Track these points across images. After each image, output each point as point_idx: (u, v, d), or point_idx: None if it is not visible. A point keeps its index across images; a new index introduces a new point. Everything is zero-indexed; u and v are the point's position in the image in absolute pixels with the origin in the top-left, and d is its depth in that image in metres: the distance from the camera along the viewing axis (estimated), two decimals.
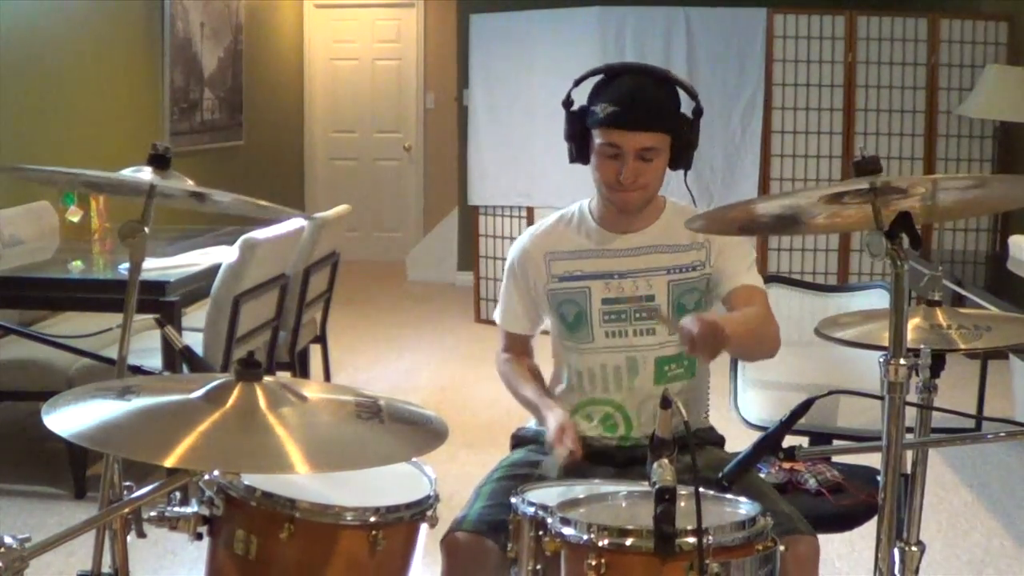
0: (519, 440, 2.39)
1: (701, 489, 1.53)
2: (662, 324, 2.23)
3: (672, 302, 2.28)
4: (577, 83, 2.28)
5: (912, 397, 1.86)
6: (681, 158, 2.25)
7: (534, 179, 6.59)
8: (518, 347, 2.47)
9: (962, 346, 2.12)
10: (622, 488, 1.87)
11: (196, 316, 4.07)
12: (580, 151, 2.27)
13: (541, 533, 1.71)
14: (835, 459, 2.72)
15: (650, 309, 2.23)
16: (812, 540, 2.05)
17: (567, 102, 2.28)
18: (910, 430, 1.92)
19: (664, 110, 2.21)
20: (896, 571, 1.99)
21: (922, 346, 2.00)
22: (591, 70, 2.28)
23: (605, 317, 2.28)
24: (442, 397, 5.42)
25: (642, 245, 2.31)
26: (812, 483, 2.57)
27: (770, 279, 3.23)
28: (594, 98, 2.24)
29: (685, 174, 2.31)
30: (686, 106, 2.26)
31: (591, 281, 2.29)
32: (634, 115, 2.17)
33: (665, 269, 2.29)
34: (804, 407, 1.81)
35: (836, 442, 2.84)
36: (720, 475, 1.85)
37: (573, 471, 2.13)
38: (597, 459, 2.24)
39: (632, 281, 2.28)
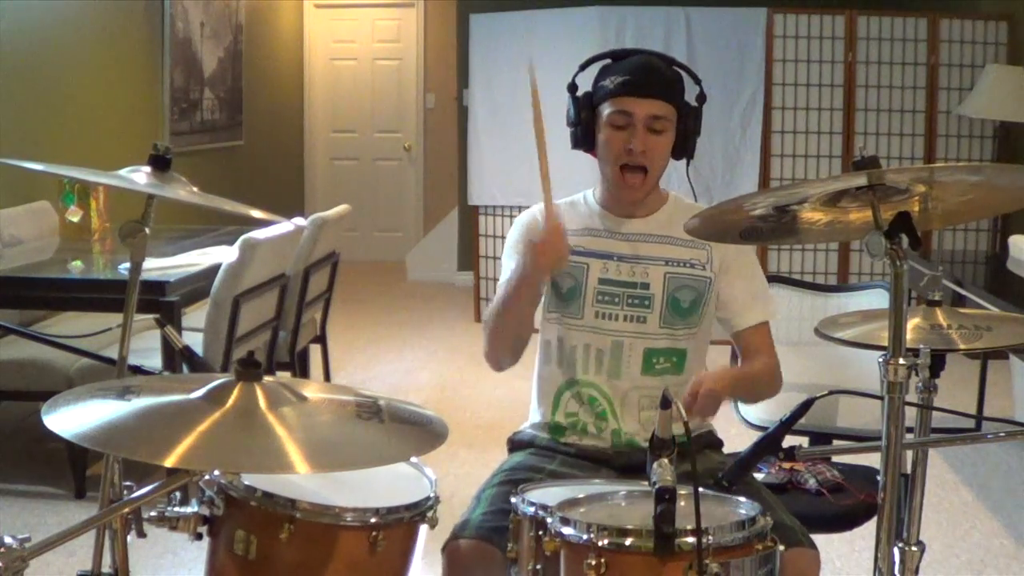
0: (515, 444, 2.38)
1: (701, 489, 1.53)
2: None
3: (667, 295, 2.27)
4: (583, 67, 2.30)
5: (912, 397, 1.86)
6: (685, 143, 2.27)
7: (534, 179, 6.55)
8: None
9: (962, 346, 2.12)
10: (622, 488, 1.87)
11: (196, 316, 4.08)
12: (585, 134, 2.28)
13: (541, 533, 1.71)
14: (835, 459, 2.72)
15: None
16: (813, 553, 2.04)
17: (572, 86, 2.30)
18: (910, 430, 1.92)
19: (672, 83, 2.26)
20: (896, 571, 1.99)
21: (921, 346, 2.00)
22: (598, 55, 2.31)
23: (599, 297, 2.27)
24: (442, 397, 5.43)
25: (643, 232, 2.32)
26: (812, 483, 2.57)
27: (770, 279, 3.23)
28: (602, 76, 2.27)
29: (687, 165, 2.32)
30: (689, 96, 2.30)
31: (591, 259, 2.29)
32: (645, 82, 2.21)
33: (663, 260, 2.29)
34: (804, 407, 1.81)
35: (836, 442, 2.84)
36: (720, 475, 1.85)
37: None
38: (595, 464, 2.24)
39: (630, 266, 2.28)
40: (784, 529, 2.01)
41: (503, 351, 2.30)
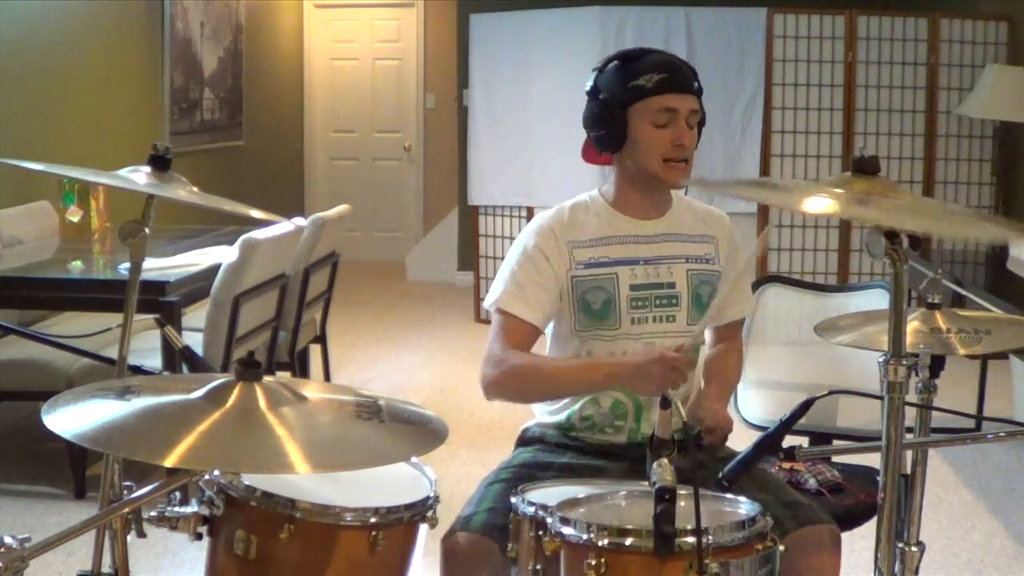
0: (524, 440, 2.36)
1: (701, 489, 1.53)
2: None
3: (691, 292, 2.29)
4: (600, 69, 2.29)
5: (912, 397, 1.86)
6: (699, 135, 2.32)
7: (534, 179, 6.60)
8: (523, 344, 2.28)
9: (961, 351, 2.10)
10: (622, 488, 1.87)
11: (196, 316, 4.07)
12: (617, 135, 2.24)
13: (541, 533, 1.71)
14: (835, 459, 2.72)
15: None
16: (834, 530, 2.07)
17: (593, 90, 2.27)
18: (910, 430, 1.92)
19: (694, 77, 2.30)
20: (896, 571, 1.99)
21: (921, 346, 2.00)
22: (614, 55, 2.30)
23: (632, 304, 2.26)
24: (442, 397, 5.42)
25: (661, 232, 2.32)
26: (812, 483, 2.57)
27: (770, 279, 3.24)
28: (628, 76, 2.24)
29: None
30: None
31: (618, 267, 2.27)
32: (684, 77, 2.25)
33: (684, 258, 2.30)
34: (804, 407, 1.81)
35: (836, 442, 2.84)
36: (720, 475, 1.85)
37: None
38: (607, 456, 2.23)
39: (655, 267, 2.28)
40: (801, 507, 2.04)
41: (521, 403, 2.33)
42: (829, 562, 2.04)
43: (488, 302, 2.34)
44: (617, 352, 2.24)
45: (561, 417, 2.31)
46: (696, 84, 2.27)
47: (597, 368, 2.16)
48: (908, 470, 2.16)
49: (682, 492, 1.59)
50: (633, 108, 2.22)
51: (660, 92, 2.21)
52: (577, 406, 2.28)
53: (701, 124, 2.30)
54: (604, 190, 2.36)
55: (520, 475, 2.15)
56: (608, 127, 2.25)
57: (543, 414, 2.36)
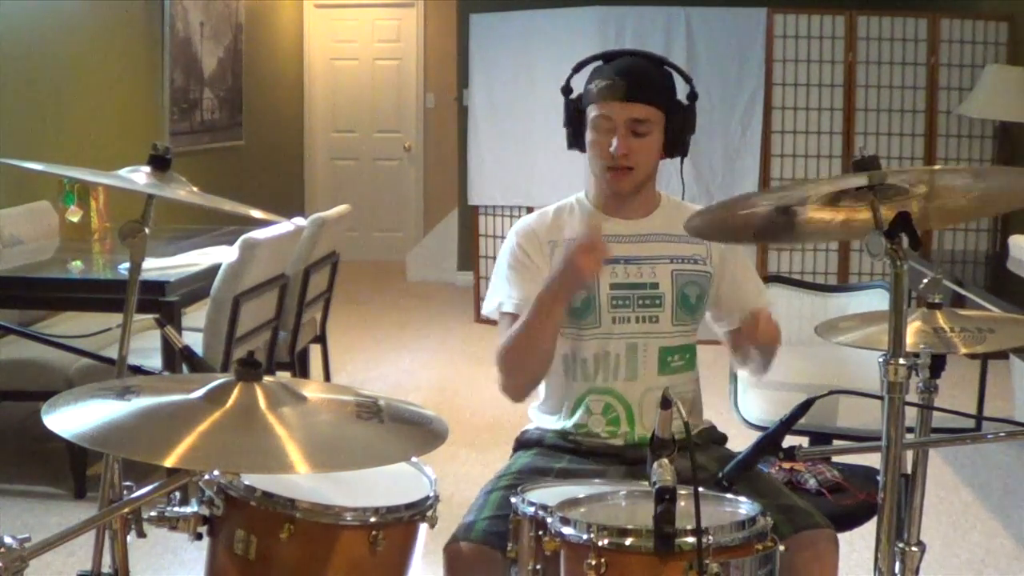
0: (522, 443, 2.36)
1: (701, 489, 1.53)
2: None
3: (676, 292, 2.28)
4: (576, 70, 2.32)
5: (912, 397, 1.86)
6: (676, 142, 2.28)
7: (534, 179, 6.59)
8: None
9: (963, 350, 2.10)
10: (622, 488, 1.87)
11: (196, 316, 4.07)
12: (577, 135, 2.31)
13: (541, 533, 1.71)
14: (835, 459, 2.72)
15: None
16: (831, 533, 2.06)
17: (566, 89, 2.32)
18: (910, 430, 1.92)
19: (655, 85, 2.25)
20: (896, 571, 2.00)
21: (922, 346, 2.00)
22: (590, 56, 2.32)
23: (613, 303, 2.26)
24: (442, 397, 5.43)
25: (645, 232, 2.31)
26: (812, 483, 2.57)
27: (770, 279, 3.24)
28: (591, 79, 2.29)
29: (681, 164, 2.33)
30: (682, 96, 2.30)
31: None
32: (625, 86, 2.22)
33: (668, 258, 2.29)
34: (804, 407, 1.81)
35: (836, 442, 2.85)
36: (720, 475, 1.85)
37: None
38: (605, 459, 2.23)
39: (637, 267, 2.28)
40: (798, 512, 2.03)
41: (530, 379, 2.26)
42: (826, 567, 2.04)
43: (487, 310, 2.37)
44: (600, 353, 2.26)
45: (557, 427, 2.32)
46: (652, 93, 2.22)
47: (543, 291, 2.15)
48: (908, 470, 2.16)
49: (682, 492, 1.59)
50: (587, 110, 2.27)
51: (600, 99, 2.23)
52: (571, 417, 2.29)
53: (682, 131, 2.27)
54: (588, 192, 2.38)
55: (518, 482, 2.15)
56: (571, 126, 2.31)
57: (541, 418, 2.37)
